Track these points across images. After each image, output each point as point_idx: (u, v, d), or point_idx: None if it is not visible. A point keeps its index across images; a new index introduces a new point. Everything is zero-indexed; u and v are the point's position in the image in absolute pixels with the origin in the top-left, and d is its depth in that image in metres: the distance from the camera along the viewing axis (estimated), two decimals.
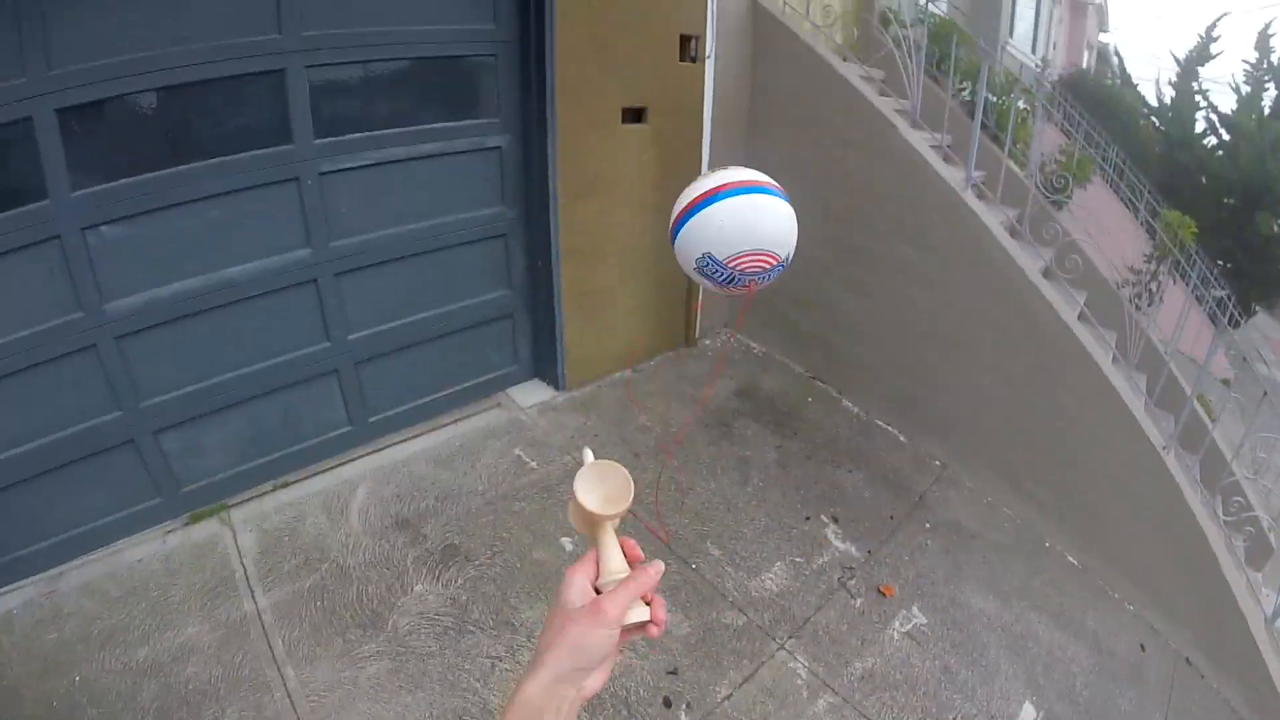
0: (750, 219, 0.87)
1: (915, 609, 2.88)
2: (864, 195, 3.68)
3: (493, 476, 3.25)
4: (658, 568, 0.63)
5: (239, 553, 2.89)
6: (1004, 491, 3.48)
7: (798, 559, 2.98)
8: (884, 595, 2.89)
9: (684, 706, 2.41)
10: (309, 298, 3.06)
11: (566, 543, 2.96)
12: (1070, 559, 3.33)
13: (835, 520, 3.19)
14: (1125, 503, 3.11)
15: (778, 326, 4.27)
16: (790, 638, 2.67)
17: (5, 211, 2.34)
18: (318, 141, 2.81)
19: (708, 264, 0.87)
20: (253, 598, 2.65)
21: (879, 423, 3.86)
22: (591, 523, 0.67)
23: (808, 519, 3.17)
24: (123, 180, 2.52)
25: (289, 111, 2.72)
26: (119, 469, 2.86)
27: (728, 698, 2.46)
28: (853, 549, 3.07)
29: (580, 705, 0.58)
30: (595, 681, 0.59)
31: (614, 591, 0.60)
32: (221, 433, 3.06)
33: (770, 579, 2.88)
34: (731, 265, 0.86)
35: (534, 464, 3.34)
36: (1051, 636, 2.91)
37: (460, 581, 2.78)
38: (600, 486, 0.67)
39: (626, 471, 0.68)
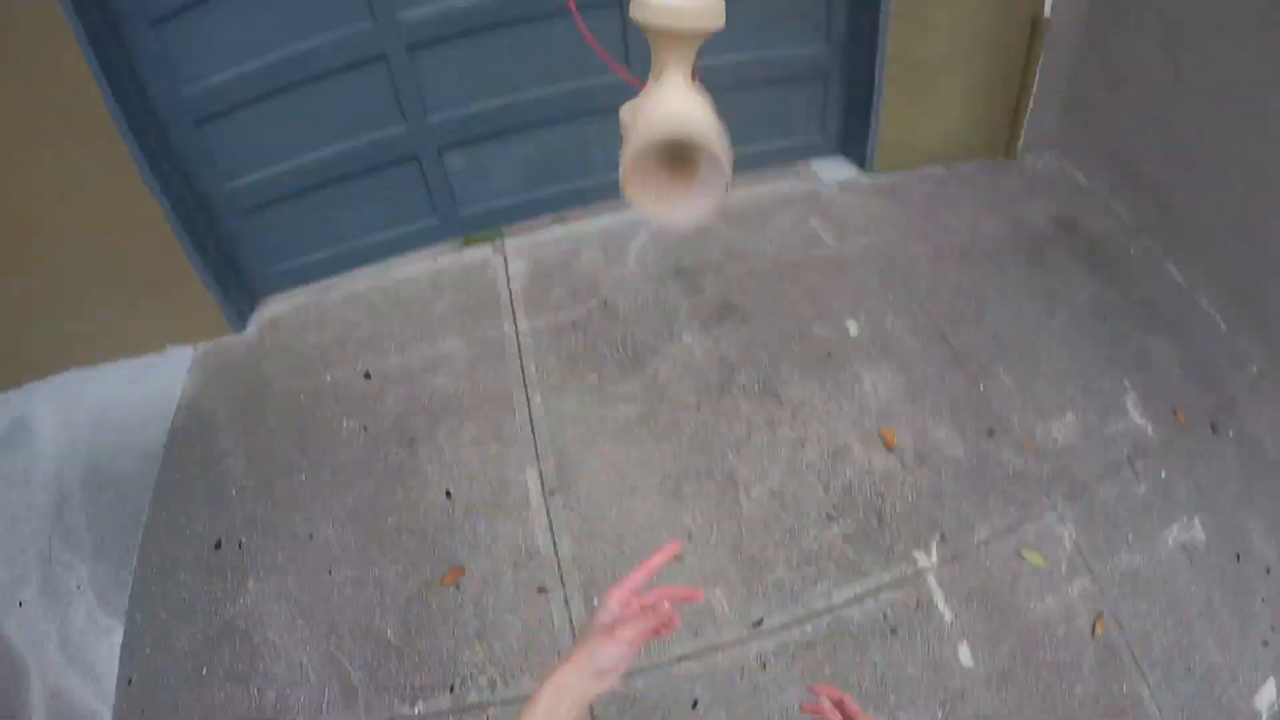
0: None
1: (1196, 522, 2.45)
2: None
3: (782, 243, 2.94)
4: (667, 554, 0.77)
5: (507, 278, 2.86)
6: None
7: (1090, 417, 2.49)
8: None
9: (937, 536, 2.05)
10: (615, 22, 2.64)
11: (851, 325, 2.50)
12: None
13: (1136, 390, 2.60)
14: None
15: (1110, 159, 3.29)
16: (1065, 500, 2.27)
17: None
18: None
19: None
20: (514, 321, 2.59)
21: (1201, 302, 3.07)
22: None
23: (1108, 378, 2.59)
24: None
25: None
26: (400, 185, 2.89)
27: (985, 543, 2.11)
28: (1149, 428, 2.55)
29: (595, 694, 0.69)
30: (610, 681, 0.70)
31: (629, 625, 0.70)
32: (508, 158, 3.01)
33: (1058, 429, 2.41)
34: None
35: (829, 239, 2.96)
36: None
37: (732, 340, 2.59)
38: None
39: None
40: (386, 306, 2.74)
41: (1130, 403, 2.56)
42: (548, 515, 2.20)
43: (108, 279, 2.56)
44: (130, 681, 2.04)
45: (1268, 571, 2.43)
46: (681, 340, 2.56)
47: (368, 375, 2.53)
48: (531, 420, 2.33)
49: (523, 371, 2.47)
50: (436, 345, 2.58)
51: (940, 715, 1.98)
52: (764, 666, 2.02)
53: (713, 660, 2.01)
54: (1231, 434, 2.69)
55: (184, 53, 2.41)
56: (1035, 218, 3.09)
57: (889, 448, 2.25)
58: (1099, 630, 2.14)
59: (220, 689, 1.99)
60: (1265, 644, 2.31)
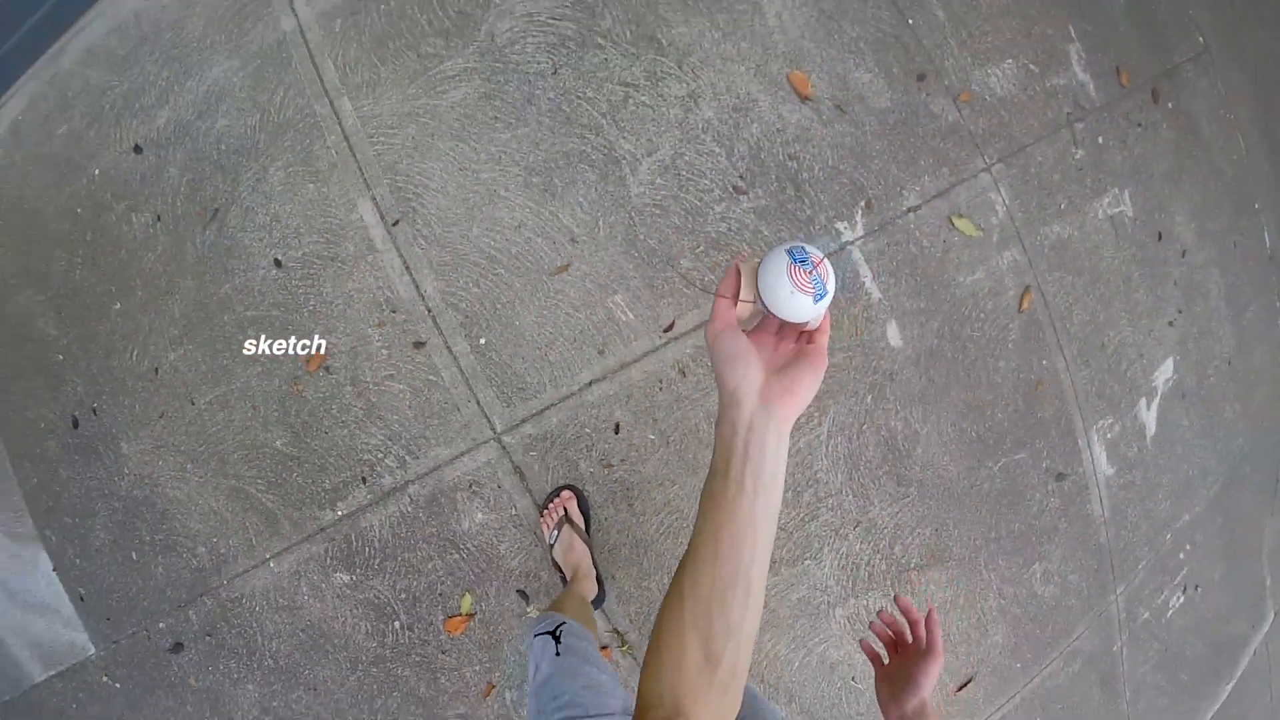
0: None
1: (1126, 195, 2.20)
2: None
3: None
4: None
5: None
6: (1251, 114, 2.55)
7: (1032, 66, 2.06)
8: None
9: (862, 204, 1.65)
10: None
11: None
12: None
13: (1082, 40, 2.18)
14: None
15: None
16: (999, 161, 1.90)
17: None
18: None
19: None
20: (292, 10, 1.91)
21: None
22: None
23: (1053, 20, 2.14)
24: None
25: None
26: None
27: (914, 209, 1.74)
28: (1090, 85, 2.16)
29: (787, 421, 0.54)
30: (793, 393, 0.54)
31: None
32: None
33: (996, 77, 1.97)
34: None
35: None
36: (1218, 298, 2.36)
37: None
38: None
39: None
40: (131, 49, 1.98)
41: (1074, 53, 2.15)
42: (398, 253, 1.72)
43: None
44: (82, 598, 1.93)
45: (1183, 254, 2.26)
46: None
47: (138, 149, 1.92)
48: (346, 137, 1.76)
49: (319, 75, 1.82)
50: (204, 78, 1.91)
51: (870, 400, 1.71)
52: (683, 373, 1.69)
53: (626, 378, 1.71)
54: (1171, 106, 2.37)
55: None
56: None
57: (802, 97, 1.75)
58: (1026, 304, 1.88)
59: (157, 565, 1.87)
60: (1170, 324, 2.20)
